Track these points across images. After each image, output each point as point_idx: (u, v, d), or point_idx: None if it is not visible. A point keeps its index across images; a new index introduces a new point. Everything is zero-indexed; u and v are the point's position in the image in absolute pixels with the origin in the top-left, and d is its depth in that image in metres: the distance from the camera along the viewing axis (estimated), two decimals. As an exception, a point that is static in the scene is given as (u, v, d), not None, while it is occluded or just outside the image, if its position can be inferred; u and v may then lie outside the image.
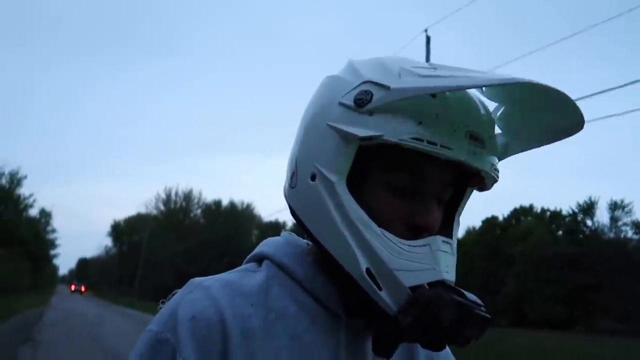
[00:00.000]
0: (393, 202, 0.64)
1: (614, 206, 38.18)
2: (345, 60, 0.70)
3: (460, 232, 0.79)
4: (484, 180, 0.67)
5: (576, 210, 40.12)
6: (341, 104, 0.65)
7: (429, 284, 0.61)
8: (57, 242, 54.89)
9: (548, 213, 42.15)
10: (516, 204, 44.75)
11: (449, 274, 0.63)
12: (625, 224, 38.11)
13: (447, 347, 0.80)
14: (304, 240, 0.76)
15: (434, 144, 0.60)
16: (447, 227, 0.69)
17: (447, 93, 0.63)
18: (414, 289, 0.61)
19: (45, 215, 47.97)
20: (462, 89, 0.61)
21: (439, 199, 0.67)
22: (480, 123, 0.64)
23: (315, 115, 0.68)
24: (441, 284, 0.62)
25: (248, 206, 55.60)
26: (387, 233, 0.62)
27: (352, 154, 0.63)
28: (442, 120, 0.61)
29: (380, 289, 0.62)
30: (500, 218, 43.94)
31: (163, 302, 0.70)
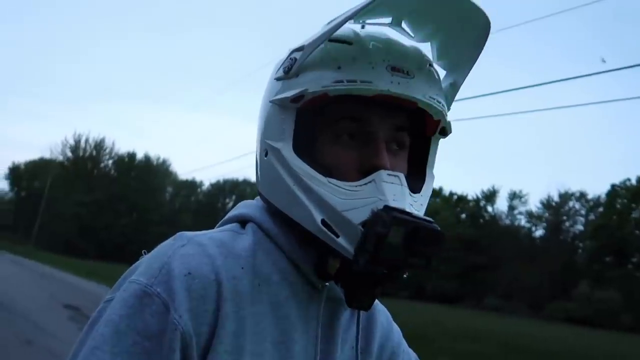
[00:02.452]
0: (343, 152, 0.66)
1: (513, 196, 41.56)
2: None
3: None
4: (435, 119, 0.69)
5: (480, 197, 43.23)
6: (276, 79, 0.70)
7: (384, 211, 0.61)
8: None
9: (455, 197, 44.93)
10: (427, 186, 46.92)
11: (398, 202, 0.63)
12: (520, 213, 41.74)
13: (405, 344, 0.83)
14: None
15: (354, 81, 0.64)
16: (418, 180, 0.71)
17: (365, 38, 0.68)
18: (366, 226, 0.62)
19: None
20: (350, 18, 0.64)
21: (395, 142, 0.69)
22: (404, 57, 0.67)
23: (262, 101, 0.73)
24: (385, 208, 0.61)
25: (164, 162, 53.83)
26: (333, 180, 0.64)
27: (292, 119, 0.67)
28: (360, 60, 0.65)
29: (337, 236, 0.63)
30: (412, 197, 45.98)
31: (145, 253, 0.67)
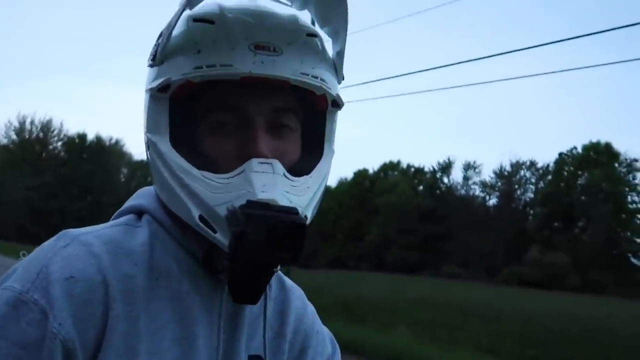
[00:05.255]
0: (222, 142, 0.63)
1: (467, 166, 42.67)
2: None
3: (332, 182, 0.76)
4: (318, 94, 0.64)
5: (436, 168, 44.16)
6: (148, 66, 0.65)
7: (241, 208, 0.58)
8: None
9: (412, 169, 45.69)
10: (385, 159, 47.68)
11: (268, 192, 0.59)
12: (474, 183, 42.99)
13: (327, 335, 0.81)
14: None
15: (213, 66, 0.59)
16: (315, 157, 0.68)
17: (228, 15, 0.62)
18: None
19: None
20: None
21: (278, 125, 0.64)
22: (272, 31, 0.61)
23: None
24: (246, 203, 0.58)
25: (117, 142, 52.14)
26: (206, 173, 0.61)
27: (165, 110, 0.62)
28: (221, 42, 0.60)
29: (215, 231, 0.60)
30: (370, 171, 46.72)
31: (24, 254, 0.63)
